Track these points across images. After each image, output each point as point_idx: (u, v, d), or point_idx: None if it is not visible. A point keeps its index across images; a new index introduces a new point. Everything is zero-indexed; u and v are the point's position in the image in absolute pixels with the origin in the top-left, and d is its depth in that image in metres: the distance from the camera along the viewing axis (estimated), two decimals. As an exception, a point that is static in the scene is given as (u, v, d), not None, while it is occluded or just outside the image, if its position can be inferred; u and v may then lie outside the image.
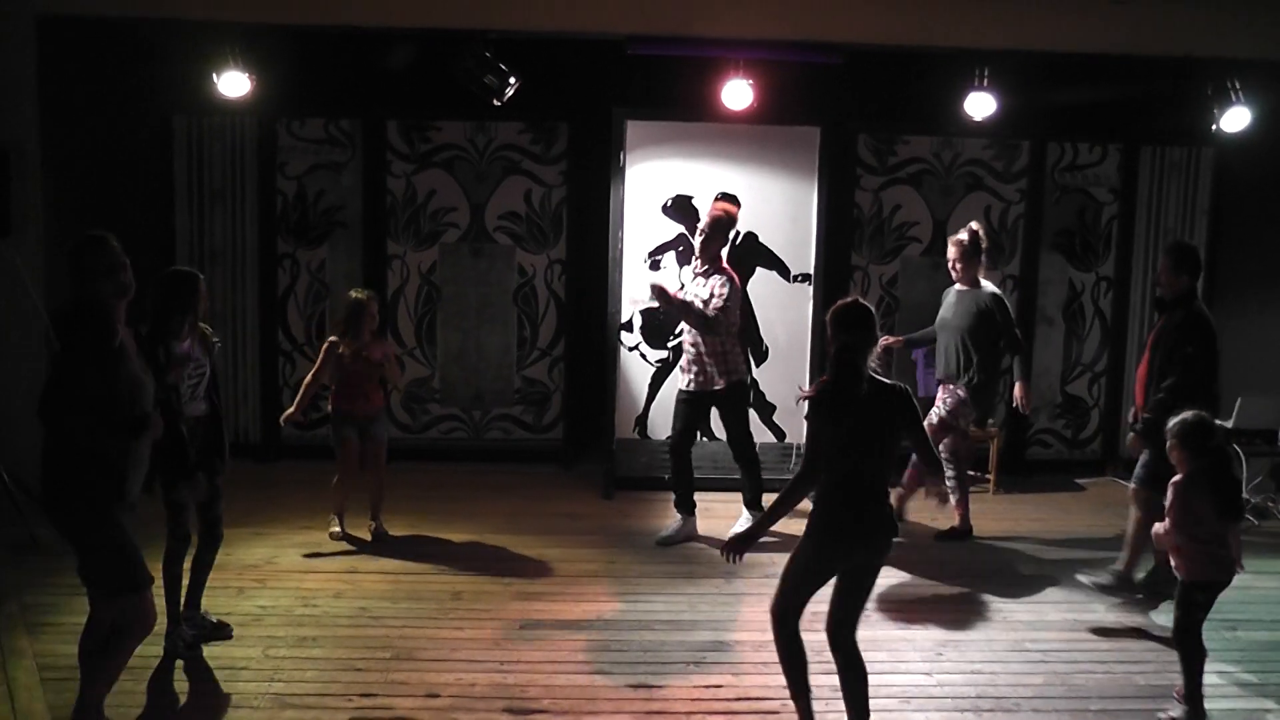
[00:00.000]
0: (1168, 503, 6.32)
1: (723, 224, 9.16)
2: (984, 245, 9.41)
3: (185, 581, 6.93)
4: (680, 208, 10.73)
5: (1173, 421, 6.35)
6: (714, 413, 9.58)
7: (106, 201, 10.23)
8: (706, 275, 9.09)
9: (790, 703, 5.89)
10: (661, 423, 10.82)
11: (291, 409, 8.93)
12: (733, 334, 9.18)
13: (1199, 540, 6.22)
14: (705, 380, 9.19)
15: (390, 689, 6.45)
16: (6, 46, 9.36)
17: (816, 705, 5.84)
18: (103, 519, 5.42)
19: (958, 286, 9.45)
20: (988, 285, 9.43)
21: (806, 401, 5.64)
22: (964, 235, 9.33)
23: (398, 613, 7.59)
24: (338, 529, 9.07)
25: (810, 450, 5.68)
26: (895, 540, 5.65)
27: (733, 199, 9.79)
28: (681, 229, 10.69)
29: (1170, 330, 7.96)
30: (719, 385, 9.17)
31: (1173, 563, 6.38)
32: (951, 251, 9.38)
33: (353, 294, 8.98)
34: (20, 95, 9.34)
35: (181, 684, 6.52)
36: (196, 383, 6.84)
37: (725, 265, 9.20)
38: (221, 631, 7.12)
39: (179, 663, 6.72)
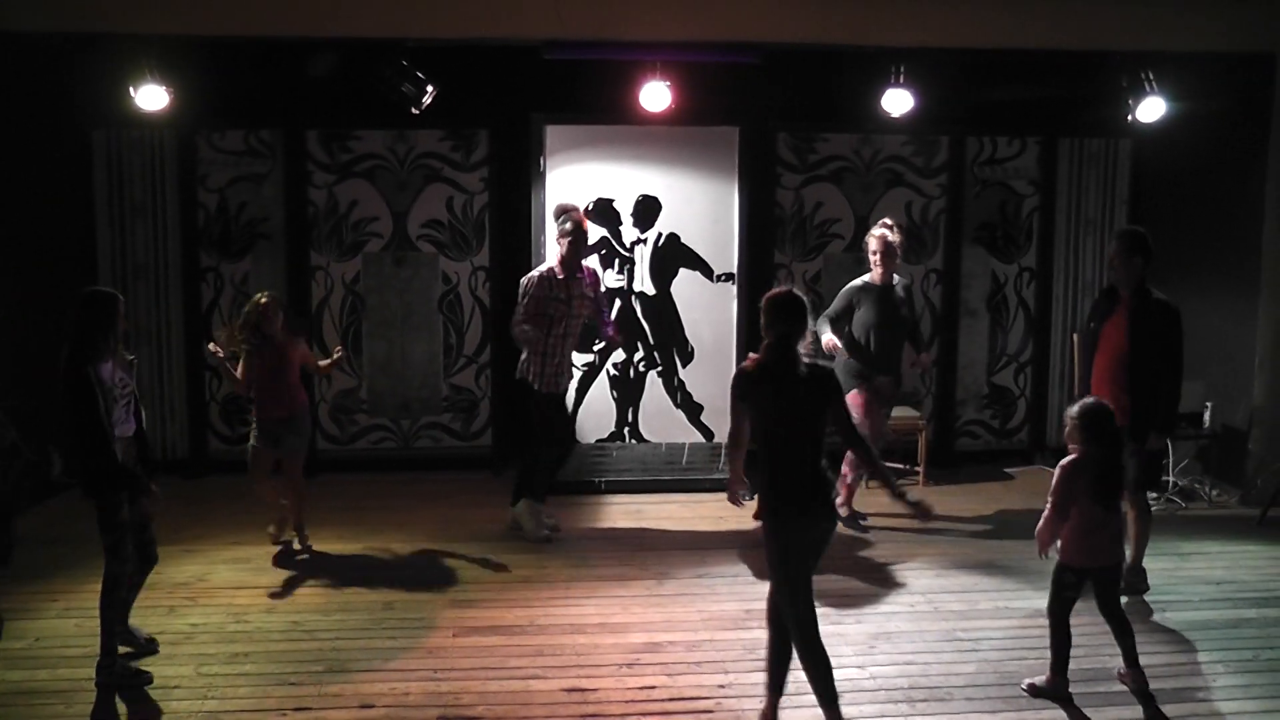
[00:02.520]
0: (1052, 484, 6.46)
1: (585, 231, 9.34)
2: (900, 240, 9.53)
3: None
4: (601, 211, 10.78)
5: (1077, 406, 6.50)
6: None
7: (26, 218, 10.11)
8: (583, 282, 9.37)
9: (723, 702, 5.92)
10: (590, 426, 10.88)
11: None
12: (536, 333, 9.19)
13: (1076, 524, 6.42)
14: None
15: (324, 701, 6.43)
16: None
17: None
18: None
19: (880, 282, 9.49)
20: (900, 278, 9.59)
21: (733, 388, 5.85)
22: (887, 232, 9.38)
23: (330, 625, 7.55)
24: (273, 530, 9.10)
25: (736, 423, 5.92)
26: (833, 519, 5.86)
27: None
28: (604, 232, 10.72)
29: (1144, 317, 7.94)
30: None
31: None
32: (872, 244, 9.43)
33: (258, 297, 8.88)
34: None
35: (112, 706, 6.44)
36: (127, 403, 6.82)
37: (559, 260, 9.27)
38: (150, 647, 7.08)
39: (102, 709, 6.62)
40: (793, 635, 5.78)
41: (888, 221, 9.50)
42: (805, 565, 5.77)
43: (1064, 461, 6.48)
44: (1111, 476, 6.41)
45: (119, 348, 6.79)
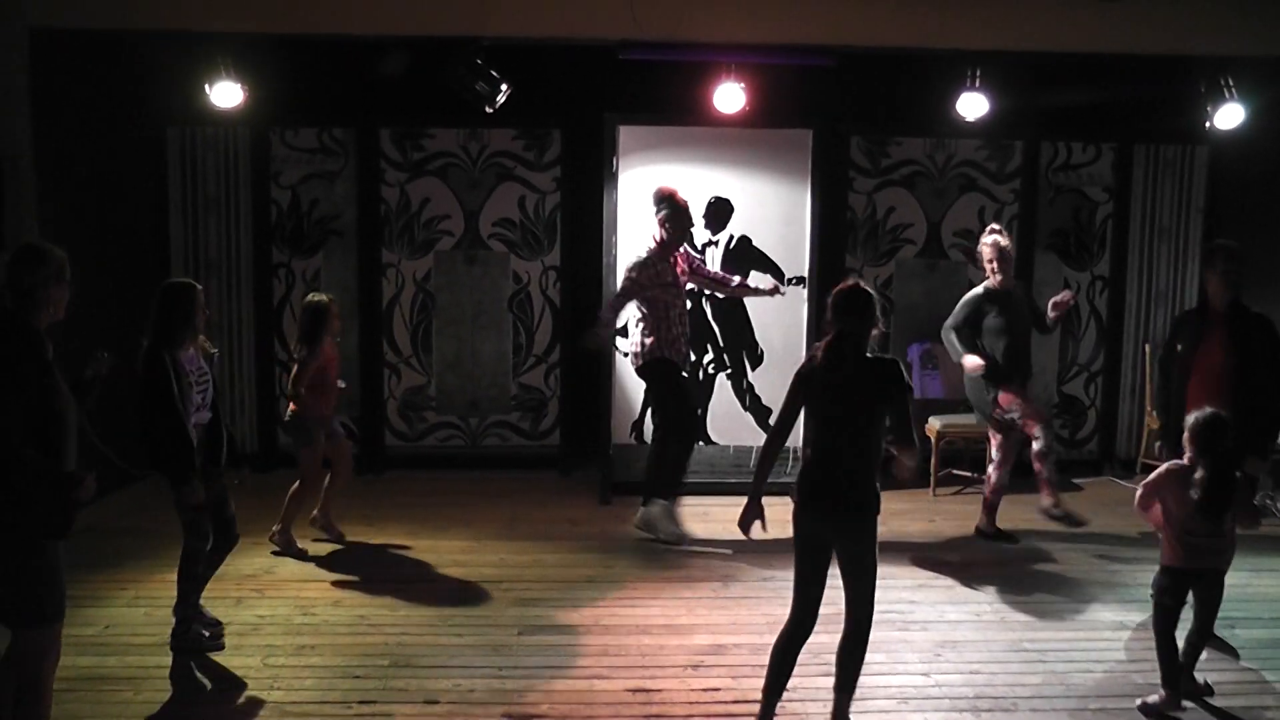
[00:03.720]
0: (1155, 480, 6.41)
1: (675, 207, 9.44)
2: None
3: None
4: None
5: (1193, 415, 6.37)
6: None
7: (101, 213, 10.24)
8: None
9: (787, 705, 5.91)
10: (659, 427, 10.85)
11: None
12: (651, 312, 9.37)
13: (1176, 529, 6.33)
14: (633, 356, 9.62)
15: (389, 695, 6.45)
16: (0, 59, 9.36)
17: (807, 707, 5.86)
18: (41, 546, 5.11)
19: (1001, 287, 9.35)
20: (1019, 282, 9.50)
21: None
22: (999, 237, 9.31)
23: (396, 620, 7.58)
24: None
25: (782, 415, 6.01)
26: (864, 521, 5.76)
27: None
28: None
29: (1243, 334, 7.76)
30: (637, 362, 9.52)
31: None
32: (988, 253, 9.33)
33: (317, 298, 8.93)
34: (14, 108, 9.32)
35: (181, 694, 6.52)
36: (204, 390, 6.97)
37: (659, 244, 9.44)
38: (216, 629, 7.19)
39: (180, 674, 6.74)
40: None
41: (995, 227, 9.45)
42: (808, 561, 5.79)
43: (1172, 462, 6.45)
44: (1219, 491, 6.23)
45: (199, 338, 6.96)
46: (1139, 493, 6.48)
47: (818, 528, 5.78)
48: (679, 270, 9.50)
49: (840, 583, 5.79)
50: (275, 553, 8.91)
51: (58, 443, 5.07)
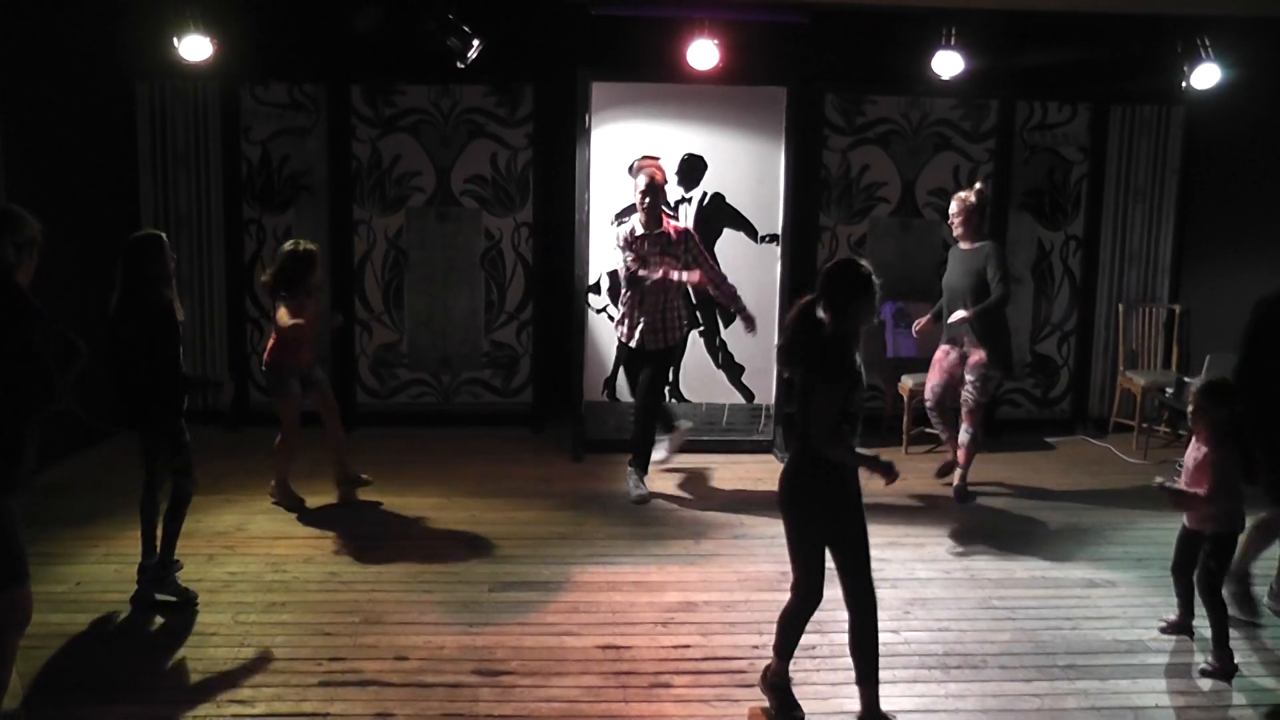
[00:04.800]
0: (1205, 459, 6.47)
1: (659, 186, 9.39)
2: (987, 205, 9.46)
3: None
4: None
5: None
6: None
7: (70, 169, 10.14)
8: (668, 239, 9.25)
9: (757, 663, 5.91)
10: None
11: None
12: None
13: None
14: (669, 336, 9.45)
15: (359, 652, 6.45)
16: (-36, 13, 9.27)
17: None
18: None
19: (961, 245, 9.43)
20: (986, 245, 9.37)
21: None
22: (969, 194, 9.31)
23: (367, 577, 7.58)
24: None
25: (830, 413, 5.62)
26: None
27: (656, 158, 9.84)
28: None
29: None
30: (672, 341, 9.53)
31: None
32: (954, 208, 9.38)
33: (305, 245, 8.87)
34: (-19, 62, 9.25)
35: (151, 650, 6.51)
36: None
37: (671, 224, 9.43)
38: (187, 595, 7.19)
39: (151, 630, 6.76)
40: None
41: (978, 186, 9.55)
42: (818, 550, 5.72)
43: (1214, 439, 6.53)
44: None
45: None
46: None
47: (828, 515, 5.66)
48: (675, 247, 9.40)
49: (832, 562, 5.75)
50: (275, 503, 8.98)
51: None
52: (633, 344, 9.40)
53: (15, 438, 5.03)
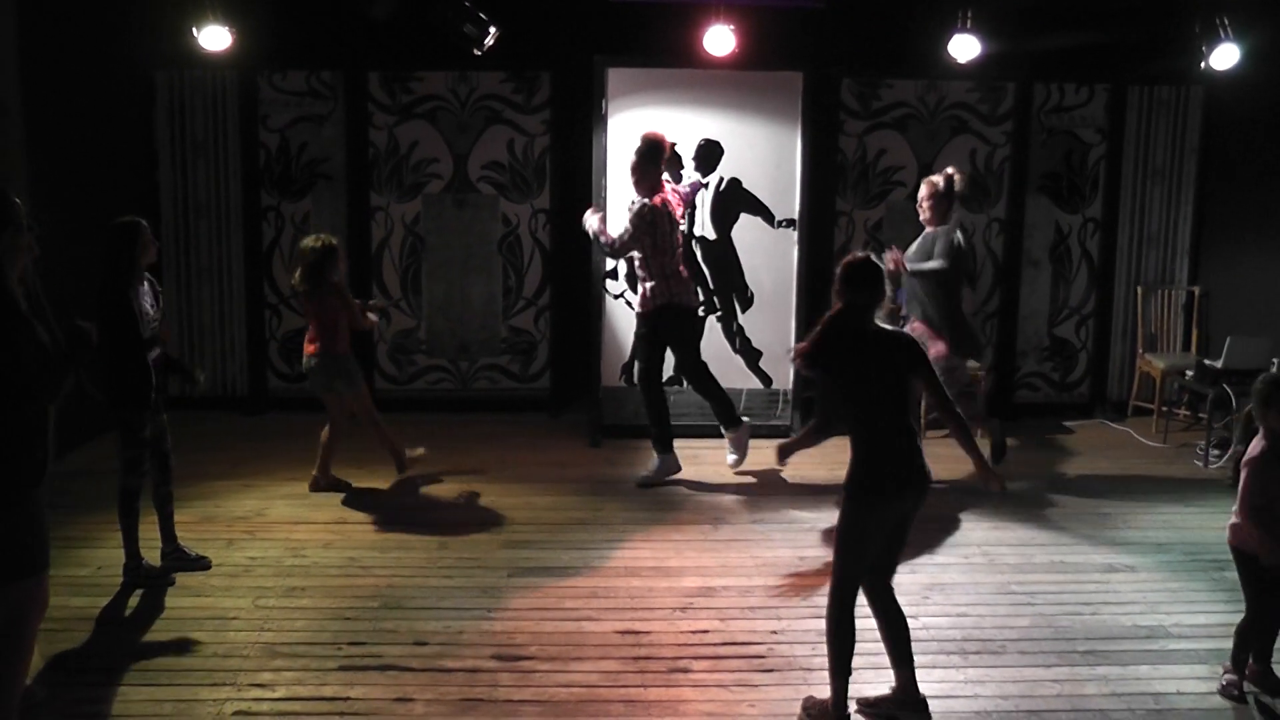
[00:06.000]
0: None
1: (652, 149, 9.23)
2: (957, 191, 9.37)
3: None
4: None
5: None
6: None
7: (91, 158, 10.17)
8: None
9: (775, 648, 5.91)
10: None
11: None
12: (656, 258, 9.27)
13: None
14: (638, 302, 9.50)
15: (379, 637, 6.48)
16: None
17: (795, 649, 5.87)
18: (22, 496, 5.02)
19: (926, 229, 9.47)
20: (943, 228, 9.35)
21: (800, 358, 5.62)
22: (938, 178, 9.31)
23: (386, 562, 7.61)
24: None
25: (821, 406, 5.81)
26: (930, 485, 5.67)
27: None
28: (666, 175, 10.64)
29: None
30: (641, 309, 9.45)
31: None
32: (923, 191, 9.40)
33: (327, 239, 8.84)
34: (2, 54, 9.26)
35: (172, 634, 6.53)
36: (153, 327, 7.10)
37: (654, 191, 9.31)
38: (201, 563, 7.37)
39: (171, 614, 6.79)
40: (829, 598, 5.62)
41: (948, 171, 9.43)
42: (874, 547, 5.63)
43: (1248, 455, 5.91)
44: None
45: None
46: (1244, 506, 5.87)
47: (898, 505, 5.58)
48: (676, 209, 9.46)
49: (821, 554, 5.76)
50: (315, 490, 9.02)
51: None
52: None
53: (33, 429, 5.04)
